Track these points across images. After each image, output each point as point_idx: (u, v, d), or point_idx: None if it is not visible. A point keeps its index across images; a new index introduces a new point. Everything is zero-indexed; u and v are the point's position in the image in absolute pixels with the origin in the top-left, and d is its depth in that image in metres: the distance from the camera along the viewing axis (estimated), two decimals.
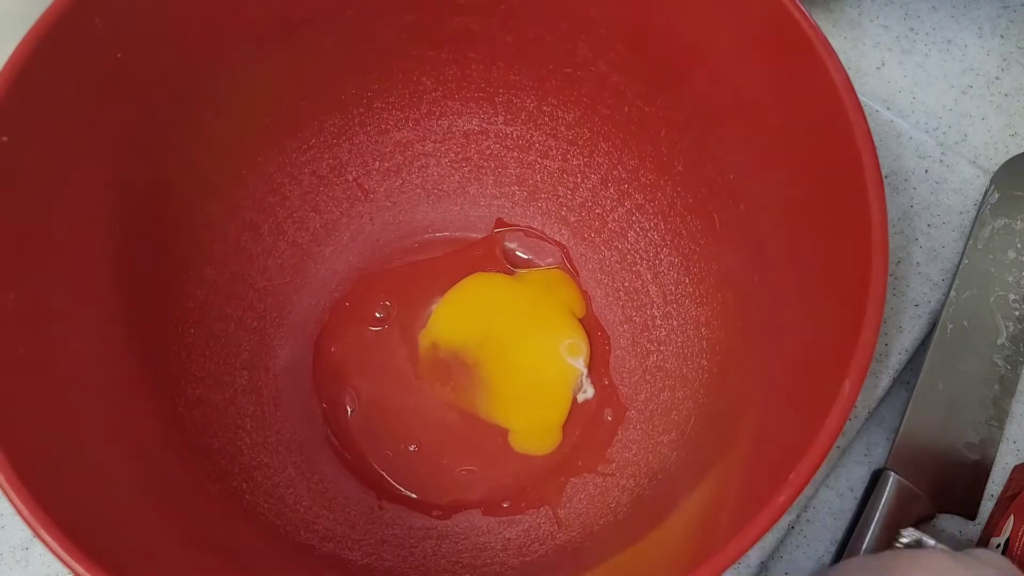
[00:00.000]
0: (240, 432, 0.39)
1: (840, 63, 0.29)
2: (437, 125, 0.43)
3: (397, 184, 0.45)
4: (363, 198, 0.45)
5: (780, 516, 0.25)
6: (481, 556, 0.38)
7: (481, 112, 0.43)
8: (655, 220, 0.41)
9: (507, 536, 0.39)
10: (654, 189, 0.40)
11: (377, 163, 0.44)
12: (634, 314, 0.42)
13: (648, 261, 0.42)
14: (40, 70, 0.29)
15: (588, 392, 0.42)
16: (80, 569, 0.25)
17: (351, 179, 0.44)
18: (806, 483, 0.26)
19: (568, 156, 0.43)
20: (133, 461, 0.31)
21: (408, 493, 0.41)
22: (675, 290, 0.40)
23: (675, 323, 0.40)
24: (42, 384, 0.29)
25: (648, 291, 0.42)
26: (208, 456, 0.36)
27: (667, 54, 0.35)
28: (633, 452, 0.39)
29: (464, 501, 0.40)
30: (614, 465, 0.39)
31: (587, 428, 0.42)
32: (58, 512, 0.25)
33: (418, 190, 0.45)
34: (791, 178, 0.32)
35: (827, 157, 0.30)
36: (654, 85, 0.37)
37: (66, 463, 0.28)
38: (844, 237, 0.29)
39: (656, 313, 0.41)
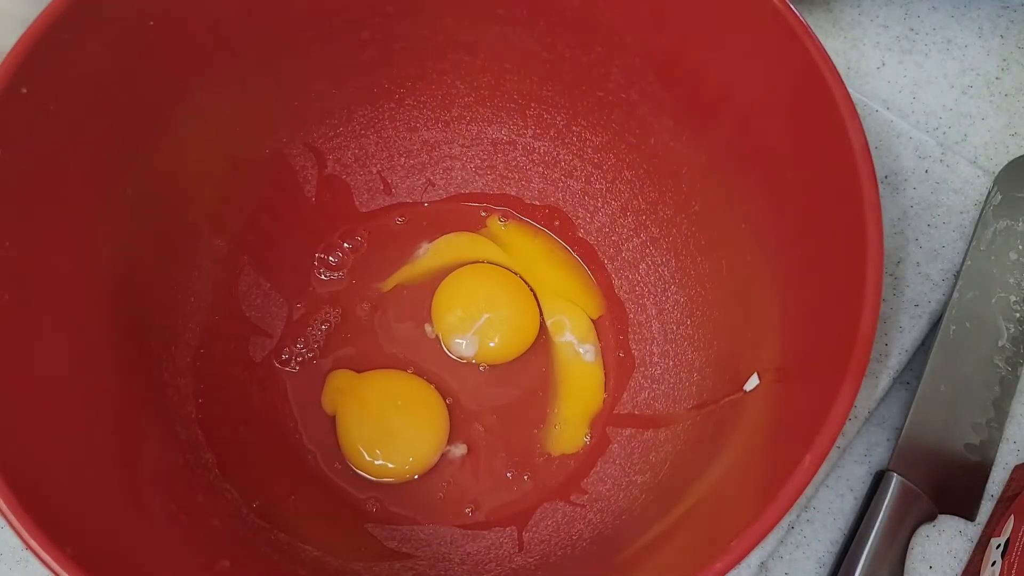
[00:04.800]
0: (224, 405, 0.39)
1: (861, 127, 0.29)
2: (467, 130, 0.43)
3: (420, 183, 0.45)
4: (384, 192, 0.45)
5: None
6: (437, 567, 0.38)
7: (511, 123, 0.43)
8: (667, 256, 0.41)
9: (467, 550, 0.39)
10: (670, 225, 0.40)
11: (402, 159, 0.44)
12: (634, 347, 0.42)
13: (655, 296, 0.42)
14: (48, 58, 0.30)
15: (589, 354, 0.43)
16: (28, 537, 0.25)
17: (375, 171, 0.44)
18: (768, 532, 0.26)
19: (592, 179, 0.43)
20: (105, 427, 0.32)
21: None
22: (676, 330, 0.40)
23: (671, 363, 0.40)
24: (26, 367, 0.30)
25: (651, 326, 0.42)
26: (184, 426, 0.37)
27: (697, 92, 0.35)
28: (607, 487, 0.39)
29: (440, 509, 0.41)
30: (587, 497, 0.39)
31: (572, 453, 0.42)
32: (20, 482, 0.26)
33: (440, 191, 0.45)
34: (797, 238, 0.32)
35: (834, 225, 0.30)
36: (681, 121, 0.37)
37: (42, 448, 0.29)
38: (841, 305, 0.28)
39: (655, 350, 0.41)
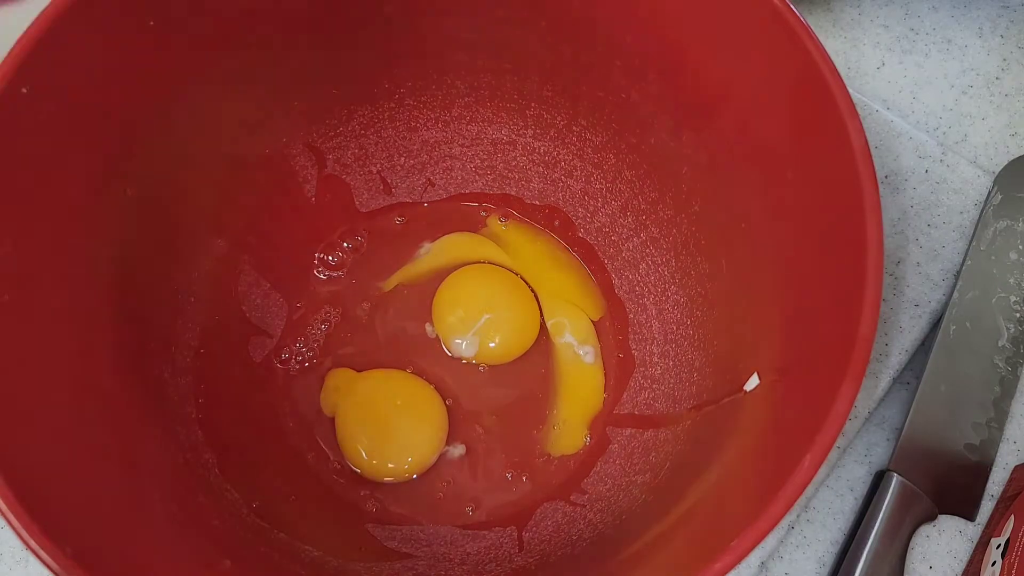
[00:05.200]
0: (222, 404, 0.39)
1: (861, 127, 0.29)
2: (467, 130, 0.43)
3: (420, 183, 0.45)
4: (384, 191, 0.45)
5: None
6: (437, 567, 0.38)
7: (511, 123, 0.43)
8: (667, 256, 0.41)
9: (467, 550, 0.39)
10: (670, 225, 0.40)
11: (402, 159, 0.44)
12: (633, 348, 0.42)
13: (655, 296, 0.42)
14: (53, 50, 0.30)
15: (589, 356, 0.43)
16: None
17: (374, 171, 0.44)
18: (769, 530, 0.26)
19: (592, 179, 0.43)
20: (105, 427, 0.32)
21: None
22: (676, 330, 0.40)
23: (671, 363, 0.40)
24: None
25: (651, 326, 0.42)
26: (184, 426, 0.37)
27: (697, 92, 0.35)
28: (607, 487, 0.39)
29: (441, 508, 0.41)
30: (587, 497, 0.39)
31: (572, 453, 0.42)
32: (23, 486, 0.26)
33: (440, 191, 0.45)
34: (798, 238, 0.32)
35: (834, 225, 0.30)
36: (682, 121, 0.36)
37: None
38: (841, 305, 0.28)
39: (655, 350, 0.41)
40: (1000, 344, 0.42)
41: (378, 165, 0.44)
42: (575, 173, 0.43)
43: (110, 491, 0.30)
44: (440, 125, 0.43)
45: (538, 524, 0.39)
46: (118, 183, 0.34)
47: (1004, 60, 0.49)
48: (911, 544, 0.40)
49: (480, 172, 0.45)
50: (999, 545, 0.38)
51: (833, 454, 0.41)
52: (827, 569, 0.40)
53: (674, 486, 0.34)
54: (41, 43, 0.29)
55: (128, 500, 0.31)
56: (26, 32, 0.29)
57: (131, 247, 0.35)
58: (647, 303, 0.42)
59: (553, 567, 0.36)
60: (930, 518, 0.40)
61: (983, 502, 0.41)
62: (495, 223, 0.45)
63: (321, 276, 0.44)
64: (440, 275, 0.44)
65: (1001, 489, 0.41)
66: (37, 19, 0.29)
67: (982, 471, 0.41)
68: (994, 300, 0.42)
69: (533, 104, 0.41)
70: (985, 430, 0.41)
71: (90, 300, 0.33)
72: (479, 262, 0.45)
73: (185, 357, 0.38)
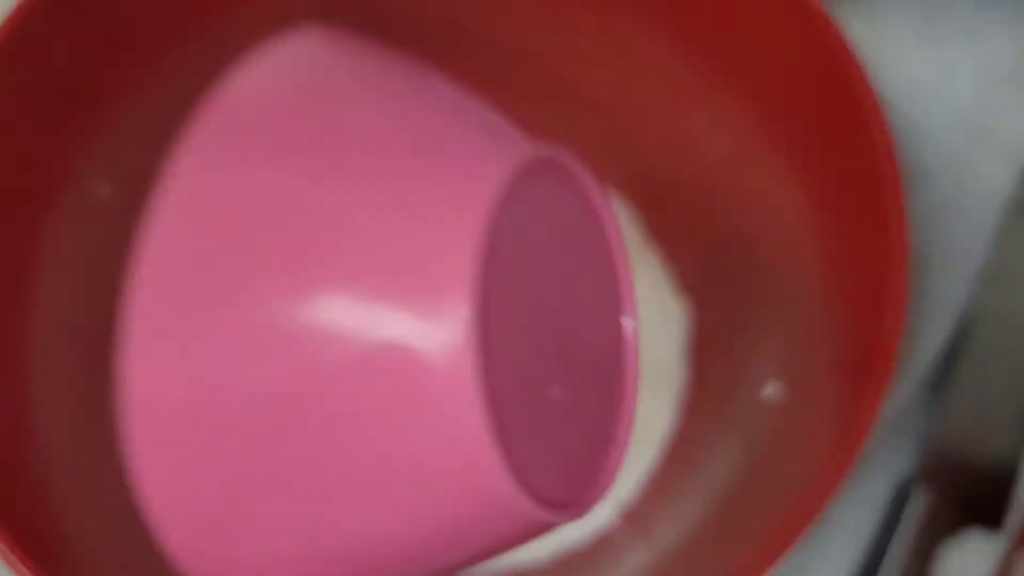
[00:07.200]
0: None
1: (884, 121, 0.28)
2: None
3: None
4: None
5: None
6: None
7: None
8: (684, 252, 0.39)
9: None
10: (690, 215, 0.39)
11: None
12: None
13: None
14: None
15: None
16: None
17: None
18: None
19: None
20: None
21: None
22: (690, 333, 0.39)
23: (684, 368, 0.39)
24: None
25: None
26: None
27: (713, 82, 0.34)
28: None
29: None
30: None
31: None
32: None
33: None
34: (818, 236, 0.32)
35: (856, 223, 0.30)
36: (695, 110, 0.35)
37: None
38: (864, 308, 0.28)
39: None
40: None
41: None
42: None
43: None
44: None
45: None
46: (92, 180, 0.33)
47: None
48: (936, 557, 0.39)
49: None
50: None
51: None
52: None
53: (687, 500, 0.34)
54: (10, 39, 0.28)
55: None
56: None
57: (106, 249, 0.34)
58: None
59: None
60: (955, 530, 0.39)
61: (1011, 513, 0.40)
62: None
63: None
64: None
65: None
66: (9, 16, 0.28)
67: (1009, 481, 0.40)
68: (1019, 301, 0.41)
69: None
70: (1013, 438, 0.40)
71: (88, 303, 0.32)
72: None
73: None
